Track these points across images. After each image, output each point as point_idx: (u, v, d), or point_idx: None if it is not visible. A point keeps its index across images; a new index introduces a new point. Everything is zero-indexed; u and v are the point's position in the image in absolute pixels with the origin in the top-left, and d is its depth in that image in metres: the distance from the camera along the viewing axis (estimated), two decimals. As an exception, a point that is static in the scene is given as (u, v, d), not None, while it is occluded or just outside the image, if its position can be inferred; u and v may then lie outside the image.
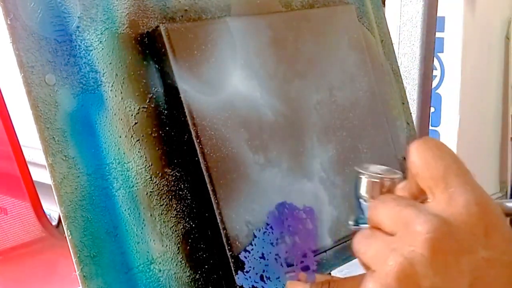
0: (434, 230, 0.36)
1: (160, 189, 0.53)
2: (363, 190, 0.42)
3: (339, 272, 0.61)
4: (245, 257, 0.53)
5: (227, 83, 0.57)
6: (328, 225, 0.61)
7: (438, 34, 1.62)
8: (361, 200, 0.42)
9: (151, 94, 0.54)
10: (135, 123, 0.53)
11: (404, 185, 0.42)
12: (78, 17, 0.51)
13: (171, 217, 0.54)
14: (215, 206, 0.54)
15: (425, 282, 0.37)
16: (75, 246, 0.48)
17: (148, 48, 0.55)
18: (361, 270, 0.42)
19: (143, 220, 0.52)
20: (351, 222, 0.44)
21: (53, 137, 0.48)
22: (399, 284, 0.37)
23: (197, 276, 0.54)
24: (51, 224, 1.29)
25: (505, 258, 0.37)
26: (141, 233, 0.52)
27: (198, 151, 0.54)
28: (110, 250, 0.50)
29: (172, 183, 0.54)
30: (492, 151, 2.27)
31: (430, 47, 1.16)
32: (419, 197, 0.40)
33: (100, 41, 0.52)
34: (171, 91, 0.54)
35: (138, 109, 0.53)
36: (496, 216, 0.38)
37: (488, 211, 0.38)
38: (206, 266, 0.55)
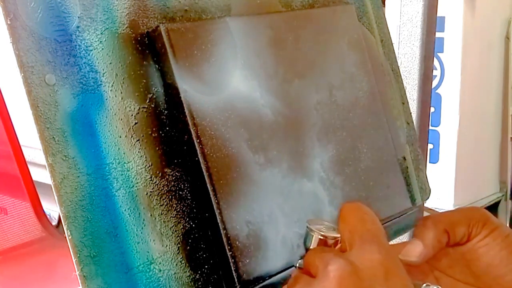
0: (341, 269, 0.45)
1: (160, 189, 0.53)
2: (311, 244, 0.51)
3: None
4: None
5: (227, 83, 0.57)
6: (328, 225, 0.61)
7: (438, 34, 1.61)
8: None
9: (151, 94, 0.54)
10: (135, 123, 0.53)
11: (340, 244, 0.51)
12: (78, 17, 0.51)
13: (171, 217, 0.54)
14: (215, 206, 0.54)
15: None
16: (75, 246, 0.48)
17: (148, 48, 0.55)
18: None
19: (143, 220, 0.52)
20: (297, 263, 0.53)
21: (53, 137, 0.48)
22: None
23: (197, 276, 0.54)
24: (51, 224, 1.29)
25: None
26: (141, 233, 0.52)
27: (198, 151, 0.54)
28: (110, 250, 0.50)
29: (172, 183, 0.54)
30: (492, 151, 2.27)
31: (430, 47, 1.16)
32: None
33: (100, 41, 0.52)
34: (171, 91, 0.54)
35: (138, 109, 0.53)
36: (396, 264, 0.46)
37: (389, 259, 0.46)
38: (206, 266, 0.55)
